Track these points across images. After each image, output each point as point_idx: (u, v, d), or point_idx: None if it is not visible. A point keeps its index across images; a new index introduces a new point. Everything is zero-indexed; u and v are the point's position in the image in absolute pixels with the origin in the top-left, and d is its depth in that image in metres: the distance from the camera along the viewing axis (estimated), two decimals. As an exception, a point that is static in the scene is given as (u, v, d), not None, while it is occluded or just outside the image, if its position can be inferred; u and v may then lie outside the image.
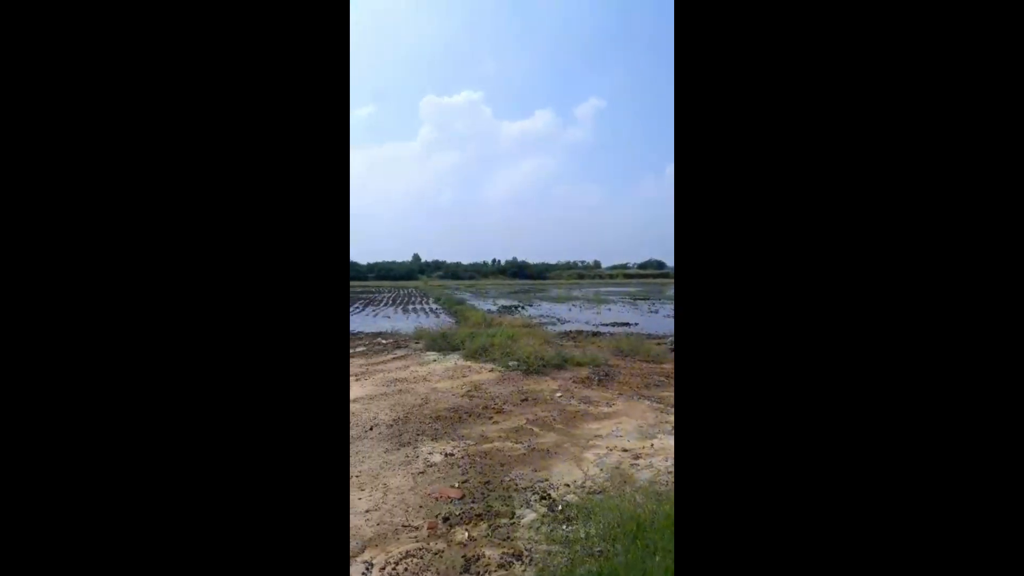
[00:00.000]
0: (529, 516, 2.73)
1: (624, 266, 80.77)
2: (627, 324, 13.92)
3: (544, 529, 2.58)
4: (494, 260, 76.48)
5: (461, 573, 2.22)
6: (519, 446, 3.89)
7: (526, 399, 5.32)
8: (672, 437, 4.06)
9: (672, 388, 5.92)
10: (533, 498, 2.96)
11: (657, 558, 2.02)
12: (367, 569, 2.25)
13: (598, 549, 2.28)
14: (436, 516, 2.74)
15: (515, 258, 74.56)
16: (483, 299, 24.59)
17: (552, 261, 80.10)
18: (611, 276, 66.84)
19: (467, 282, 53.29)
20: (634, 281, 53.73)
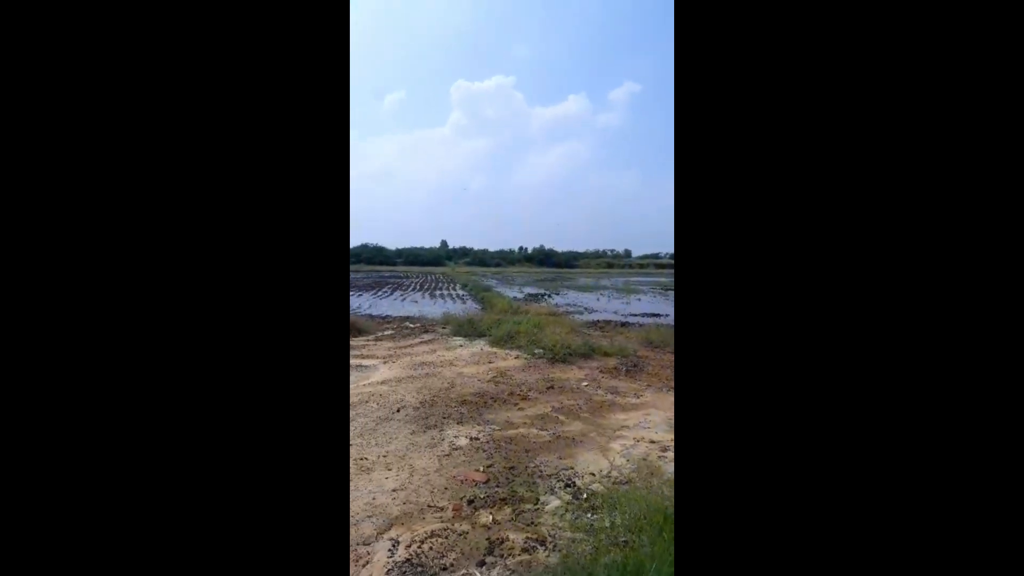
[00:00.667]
0: (553, 503, 2.72)
1: (655, 256, 79.05)
2: (657, 315, 13.66)
3: (568, 516, 2.57)
4: (521, 248, 76.28)
5: (485, 555, 2.24)
6: (544, 433, 3.89)
7: (552, 387, 5.30)
8: (701, 430, 3.97)
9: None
10: (558, 485, 2.95)
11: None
12: (393, 546, 2.29)
13: (623, 539, 2.25)
14: (461, 498, 2.77)
15: (543, 246, 74.12)
16: (509, 286, 24.60)
17: (580, 249, 79.30)
18: (641, 266, 65.63)
19: (494, 269, 53.43)
20: (665, 271, 52.64)
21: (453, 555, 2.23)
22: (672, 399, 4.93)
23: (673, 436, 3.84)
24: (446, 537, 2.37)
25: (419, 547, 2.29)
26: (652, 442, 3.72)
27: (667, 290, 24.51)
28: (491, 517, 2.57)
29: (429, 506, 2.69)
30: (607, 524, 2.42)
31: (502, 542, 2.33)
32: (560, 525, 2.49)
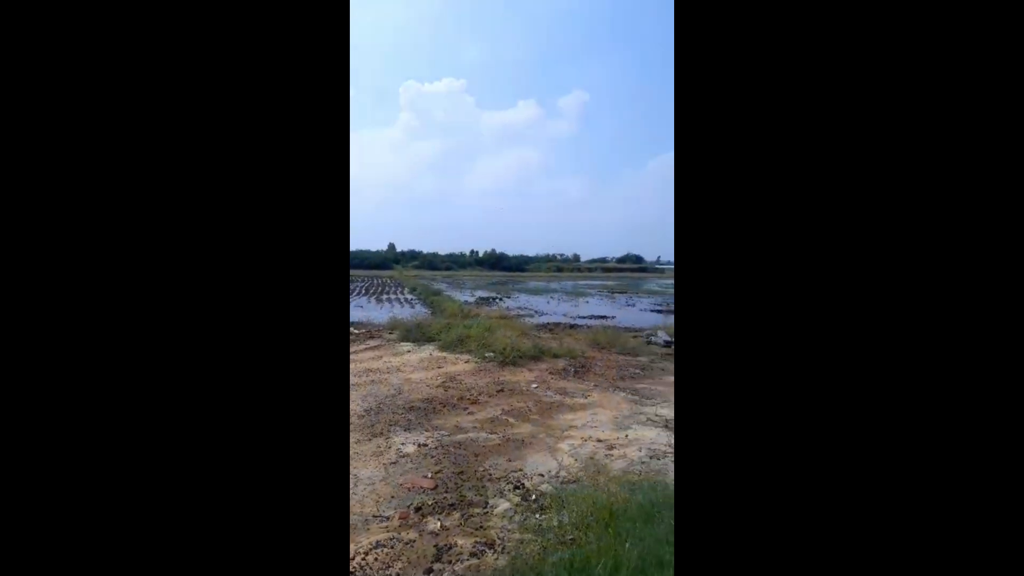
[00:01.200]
0: (503, 505, 2.72)
1: (603, 260, 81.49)
2: (604, 317, 14.08)
3: (517, 518, 2.57)
4: (472, 251, 75.90)
5: (432, 562, 2.19)
6: (494, 436, 3.88)
7: (502, 390, 5.31)
8: (646, 428, 4.12)
9: (647, 380, 6.01)
10: (507, 488, 2.95)
11: (627, 545, 2.03)
12: (335, 560, 2.19)
13: (570, 537, 2.29)
14: (408, 506, 2.70)
15: (493, 250, 74.14)
16: (460, 290, 24.43)
17: (531, 254, 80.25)
18: (590, 270, 67.33)
19: (444, 272, 52.74)
20: (612, 275, 54.37)
21: (399, 565, 2.17)
22: (617, 398, 5.09)
23: (617, 435, 3.96)
24: (392, 547, 2.30)
25: (363, 559, 2.20)
26: (599, 441, 3.81)
27: (613, 293, 25.34)
28: (439, 523, 2.53)
29: (374, 516, 2.60)
30: (555, 523, 2.45)
31: (450, 548, 2.30)
32: (509, 527, 2.48)
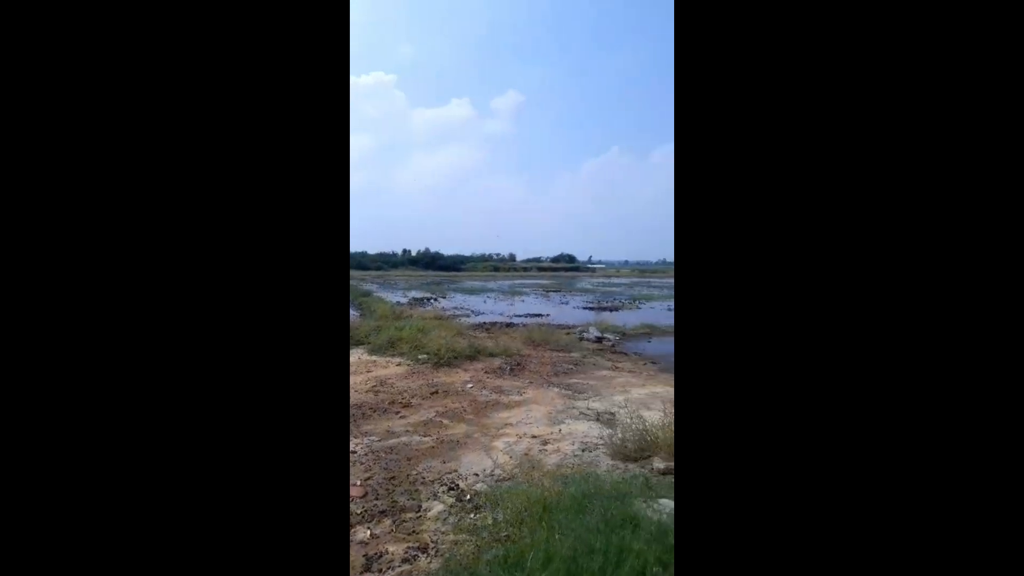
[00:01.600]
0: (436, 508, 2.67)
1: (538, 260, 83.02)
2: (540, 315, 14.34)
3: (451, 520, 2.54)
4: (404, 250, 73.78)
5: (361, 572, 2.09)
6: (427, 439, 3.80)
7: (436, 392, 5.22)
8: (579, 422, 4.24)
9: (579, 375, 6.20)
10: (441, 490, 2.90)
11: (557, 536, 2.07)
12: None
13: (505, 534, 2.29)
14: (335, 517, 2.56)
15: (427, 249, 72.73)
16: (392, 291, 23.72)
17: (467, 253, 79.79)
18: (525, 269, 68.27)
19: (375, 272, 50.78)
20: (547, 274, 55.55)
21: (325, 580, 2.05)
22: (551, 393, 5.20)
23: (551, 430, 4.05)
24: (317, 562, 2.17)
25: None
26: (534, 437, 3.87)
27: (548, 291, 25.90)
28: (368, 532, 2.42)
29: (297, 531, 2.43)
30: (490, 522, 2.44)
31: (380, 556, 2.21)
32: (443, 530, 2.44)
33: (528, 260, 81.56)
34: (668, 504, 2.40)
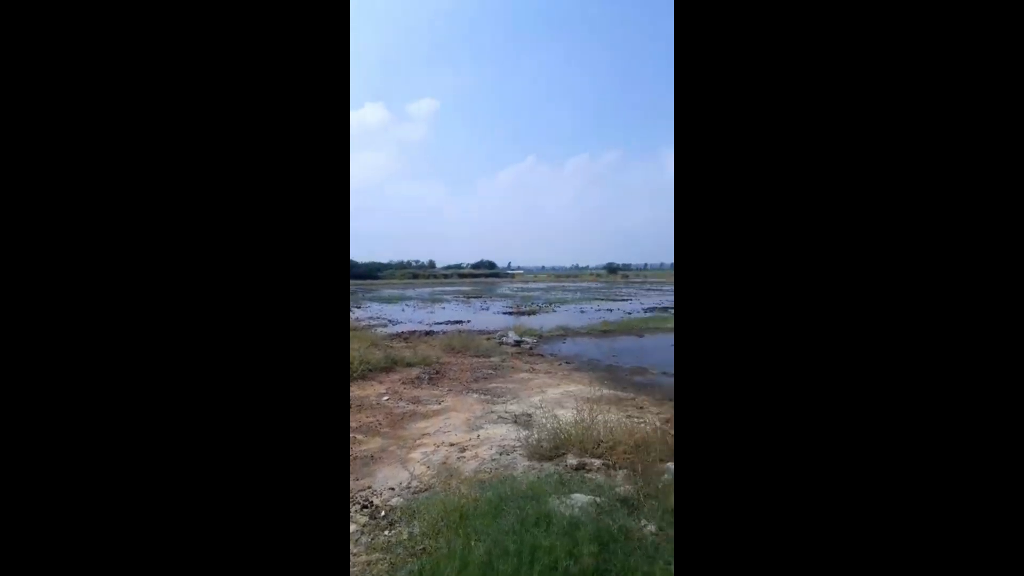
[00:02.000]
0: (349, 529, 2.54)
1: (458, 266, 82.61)
2: (460, 322, 14.27)
3: (364, 540, 2.43)
4: (317, 259, 69.31)
5: (261, 612, 1.93)
6: (340, 456, 3.60)
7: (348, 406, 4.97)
8: (497, 426, 4.28)
9: (499, 379, 6.26)
10: (353, 510, 2.76)
11: (472, 542, 2.08)
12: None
13: (421, 547, 2.24)
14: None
15: (343, 257, 69.07)
16: (304, 302, 22.13)
17: (384, 260, 77.08)
18: (446, 276, 67.56)
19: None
20: (468, 281, 55.45)
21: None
22: (470, 400, 5.20)
23: (470, 436, 4.05)
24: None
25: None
26: (451, 445, 3.83)
27: (469, 298, 25.88)
28: (271, 565, 2.24)
29: (185, 574, 2.18)
30: (405, 536, 2.37)
31: (284, 589, 2.05)
32: (355, 551, 2.33)
33: (448, 267, 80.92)
34: (580, 498, 2.51)
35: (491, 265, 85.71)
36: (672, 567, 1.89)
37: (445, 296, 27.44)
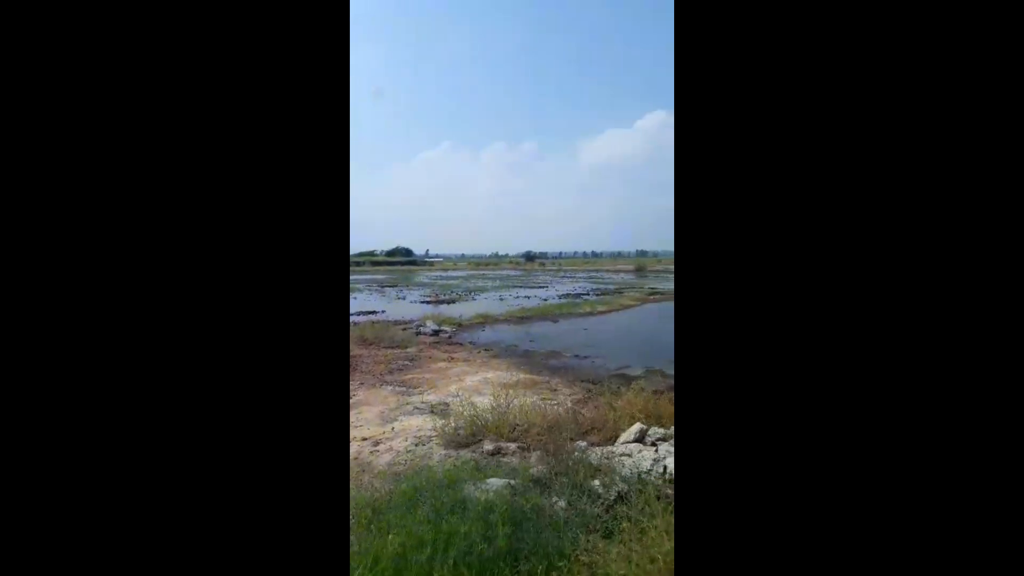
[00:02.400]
0: (247, 538, 2.35)
1: (372, 253, 79.12)
2: (374, 312, 13.73)
3: (266, 547, 2.26)
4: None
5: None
6: (237, 460, 3.31)
7: (250, 405, 4.57)
8: (412, 417, 4.21)
9: (415, 370, 6.15)
10: (253, 516, 2.56)
11: (389, 536, 2.03)
12: None
13: (330, 548, 2.15)
14: None
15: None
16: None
17: (289, 248, 71.11)
18: (357, 264, 64.44)
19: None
20: (382, 269, 53.39)
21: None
22: (384, 392, 5.05)
23: (383, 430, 3.93)
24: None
25: None
26: (364, 439, 3.70)
27: (384, 287, 24.97)
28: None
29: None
30: (313, 538, 2.26)
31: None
32: (255, 560, 2.16)
33: (361, 254, 77.21)
34: (495, 483, 2.56)
35: (408, 252, 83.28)
36: (579, 539, 2.01)
37: (358, 285, 26.17)
